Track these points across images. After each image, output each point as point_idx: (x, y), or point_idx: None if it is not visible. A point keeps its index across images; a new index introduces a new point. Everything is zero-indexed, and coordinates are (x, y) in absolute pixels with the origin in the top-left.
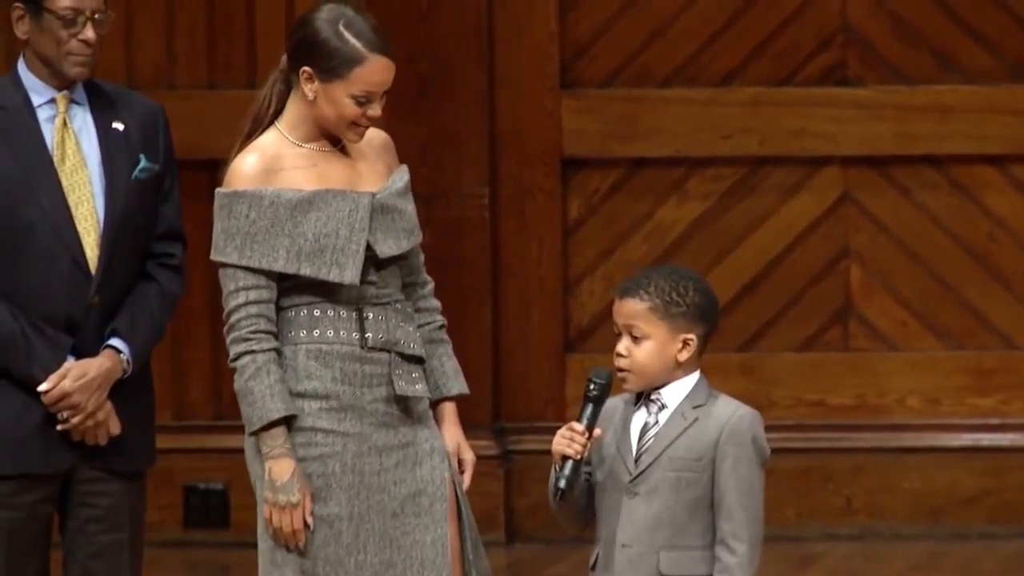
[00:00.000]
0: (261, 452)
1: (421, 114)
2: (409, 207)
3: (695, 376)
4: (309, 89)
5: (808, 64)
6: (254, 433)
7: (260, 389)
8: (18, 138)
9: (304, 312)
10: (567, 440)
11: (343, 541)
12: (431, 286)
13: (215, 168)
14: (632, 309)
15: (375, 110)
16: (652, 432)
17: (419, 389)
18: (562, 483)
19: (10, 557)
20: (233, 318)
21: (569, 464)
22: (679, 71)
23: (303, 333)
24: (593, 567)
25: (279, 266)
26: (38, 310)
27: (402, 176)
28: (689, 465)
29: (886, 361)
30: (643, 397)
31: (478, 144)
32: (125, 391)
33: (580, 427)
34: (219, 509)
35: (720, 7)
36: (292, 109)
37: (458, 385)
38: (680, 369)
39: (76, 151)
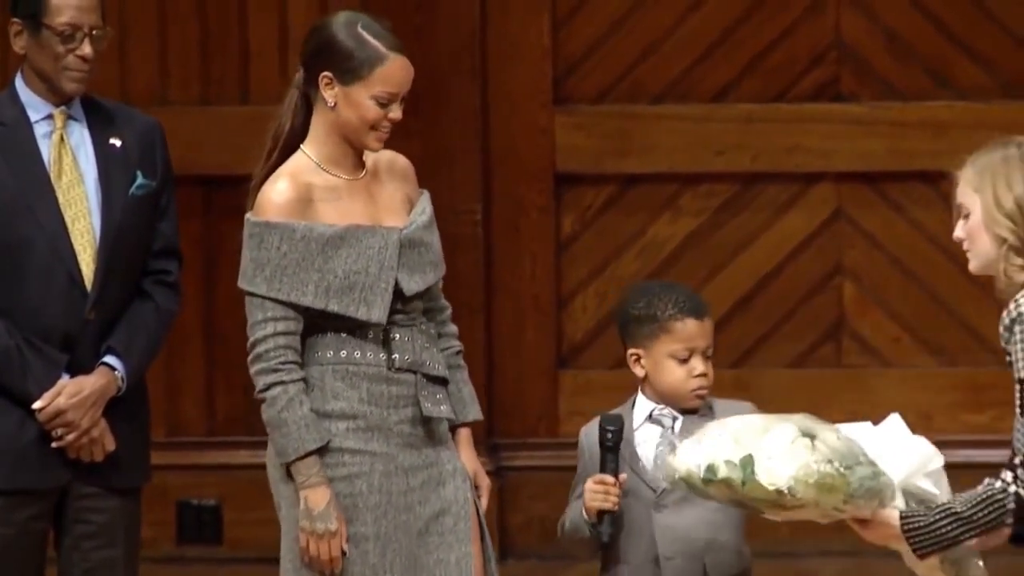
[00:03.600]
0: (295, 480)
1: (414, 130)
2: (435, 239)
3: None
4: (330, 95)
5: (801, 80)
6: (289, 463)
7: (295, 419)
8: (15, 154)
9: (331, 333)
10: (602, 495)
11: (369, 561)
12: (449, 311)
13: (208, 185)
14: (710, 326)
15: (396, 112)
16: None
17: (444, 410)
18: (606, 538)
19: (3, 573)
20: (260, 348)
21: (607, 518)
22: (672, 87)
23: (330, 353)
24: None
25: (307, 301)
26: (34, 326)
27: (424, 207)
28: None
29: (879, 377)
30: (649, 415)
31: (471, 160)
32: (120, 408)
33: (611, 479)
34: (212, 525)
35: (713, 23)
36: (315, 126)
37: (474, 411)
38: None
39: (73, 167)
